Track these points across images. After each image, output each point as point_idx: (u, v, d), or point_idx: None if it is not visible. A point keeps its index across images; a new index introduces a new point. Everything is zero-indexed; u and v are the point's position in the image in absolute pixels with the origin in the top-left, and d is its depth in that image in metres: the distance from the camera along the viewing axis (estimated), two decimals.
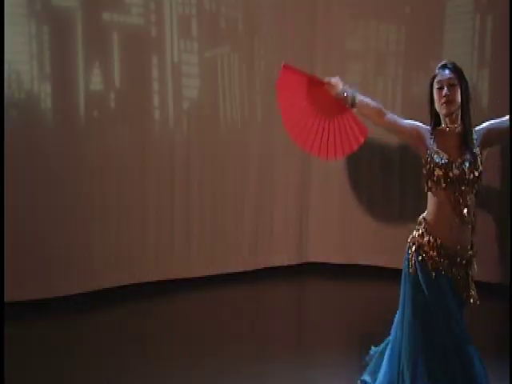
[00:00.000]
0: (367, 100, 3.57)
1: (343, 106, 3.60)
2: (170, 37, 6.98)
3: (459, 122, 3.44)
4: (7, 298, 5.17)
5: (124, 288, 6.69)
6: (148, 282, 6.88)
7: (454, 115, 3.43)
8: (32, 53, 6.24)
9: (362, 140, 3.69)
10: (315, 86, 3.63)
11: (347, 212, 7.81)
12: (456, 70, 3.45)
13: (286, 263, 7.80)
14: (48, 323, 5.92)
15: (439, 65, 3.49)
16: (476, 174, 3.37)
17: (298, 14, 7.67)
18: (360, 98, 3.56)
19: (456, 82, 3.42)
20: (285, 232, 7.82)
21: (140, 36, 6.82)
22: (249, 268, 7.54)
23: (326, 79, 3.63)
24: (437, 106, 3.45)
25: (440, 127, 3.48)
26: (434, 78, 3.47)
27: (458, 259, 3.41)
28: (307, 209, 7.93)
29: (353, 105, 3.56)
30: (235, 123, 7.50)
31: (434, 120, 3.49)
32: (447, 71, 3.44)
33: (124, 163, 6.75)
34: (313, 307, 7.08)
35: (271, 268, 7.68)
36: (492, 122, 3.49)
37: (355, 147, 3.71)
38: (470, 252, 3.45)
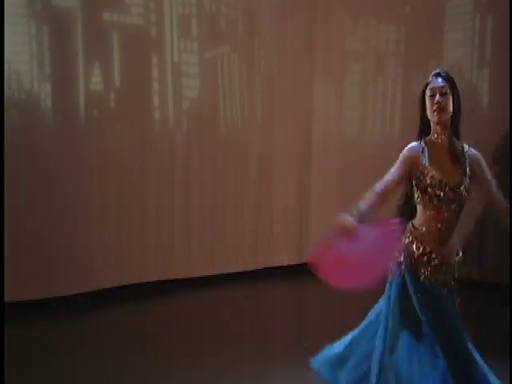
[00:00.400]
0: (367, 200, 3.40)
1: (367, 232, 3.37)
2: (170, 37, 6.98)
3: (450, 132, 3.45)
4: (7, 298, 5.17)
5: (124, 288, 6.69)
6: (148, 282, 6.88)
7: (445, 124, 3.44)
8: (32, 53, 6.24)
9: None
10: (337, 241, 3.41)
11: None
12: (449, 79, 3.47)
13: (285, 263, 7.81)
14: (48, 323, 5.92)
15: (432, 73, 3.51)
16: (466, 193, 3.40)
17: (298, 13, 7.67)
18: (362, 207, 3.38)
19: (448, 90, 3.44)
20: (285, 232, 7.82)
21: (140, 36, 6.82)
22: (249, 268, 7.54)
23: (339, 228, 3.38)
24: (429, 113, 3.46)
25: (430, 138, 3.48)
26: (426, 85, 3.49)
27: (446, 266, 3.45)
28: (307, 209, 7.94)
29: (366, 218, 3.38)
30: (235, 123, 7.50)
31: (425, 128, 3.49)
32: (440, 79, 3.46)
33: (124, 163, 6.75)
34: (313, 307, 7.08)
35: (271, 268, 7.68)
36: (489, 178, 3.47)
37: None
38: (456, 258, 3.48)
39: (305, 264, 8.39)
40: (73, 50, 6.42)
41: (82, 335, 5.72)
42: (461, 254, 3.51)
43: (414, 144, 3.48)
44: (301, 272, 7.85)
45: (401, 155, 3.48)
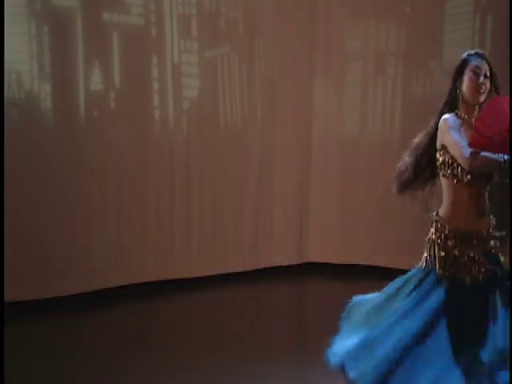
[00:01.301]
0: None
1: None
2: (170, 37, 6.97)
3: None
4: (7, 298, 5.17)
5: (124, 288, 6.69)
6: (148, 282, 6.88)
7: (479, 105, 3.47)
8: (32, 53, 6.23)
9: None
10: None
11: (347, 212, 7.81)
12: (489, 63, 3.49)
13: (285, 263, 7.80)
14: (48, 323, 5.92)
15: (472, 52, 3.52)
16: None
17: (298, 13, 7.67)
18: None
19: (489, 73, 3.46)
20: (285, 232, 7.82)
21: (140, 36, 6.82)
22: (249, 268, 7.54)
23: None
24: (468, 92, 3.45)
25: (461, 116, 3.48)
26: (465, 62, 3.48)
27: (475, 241, 3.45)
28: (307, 209, 7.93)
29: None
30: (235, 123, 7.50)
31: (452, 105, 3.49)
32: (484, 62, 3.48)
33: (124, 163, 6.75)
34: (313, 307, 7.08)
35: (271, 268, 7.67)
36: None
37: None
38: (488, 232, 3.47)
39: (305, 264, 8.39)
40: (73, 50, 6.41)
41: (82, 335, 5.72)
42: (491, 231, 3.47)
43: (449, 116, 3.45)
44: (301, 272, 7.90)
45: (449, 123, 3.40)
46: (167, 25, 6.94)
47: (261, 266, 7.63)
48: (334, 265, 7.73)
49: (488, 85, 3.44)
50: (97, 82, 6.60)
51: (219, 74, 7.32)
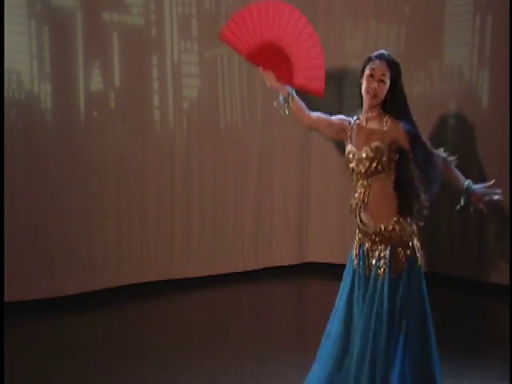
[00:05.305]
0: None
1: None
2: (170, 37, 6.97)
3: (378, 110, 3.52)
4: (7, 297, 5.18)
5: (124, 288, 6.70)
6: (148, 282, 6.88)
7: (374, 108, 3.51)
8: (32, 53, 6.24)
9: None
10: None
11: (347, 212, 7.80)
12: (393, 66, 3.52)
13: (286, 263, 7.80)
14: (48, 323, 5.92)
15: (377, 53, 3.52)
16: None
17: None
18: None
19: (387, 79, 3.44)
20: (285, 232, 7.82)
21: (140, 36, 6.82)
22: (249, 268, 7.54)
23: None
24: (363, 91, 3.51)
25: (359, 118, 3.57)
26: (368, 60, 3.52)
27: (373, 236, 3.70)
28: (307, 209, 7.93)
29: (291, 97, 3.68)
30: (235, 123, 7.50)
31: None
32: (384, 64, 3.47)
33: (124, 163, 6.75)
34: (313, 307, 7.08)
35: (271, 268, 7.68)
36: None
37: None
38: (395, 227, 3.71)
39: (305, 264, 8.39)
40: (73, 50, 6.42)
41: (81, 335, 5.72)
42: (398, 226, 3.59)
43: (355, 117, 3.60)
44: (300, 272, 7.90)
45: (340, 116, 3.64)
46: (167, 25, 6.94)
47: (261, 266, 7.63)
48: (333, 265, 7.72)
49: (380, 90, 3.45)
50: (97, 82, 6.60)
51: (219, 73, 7.31)
